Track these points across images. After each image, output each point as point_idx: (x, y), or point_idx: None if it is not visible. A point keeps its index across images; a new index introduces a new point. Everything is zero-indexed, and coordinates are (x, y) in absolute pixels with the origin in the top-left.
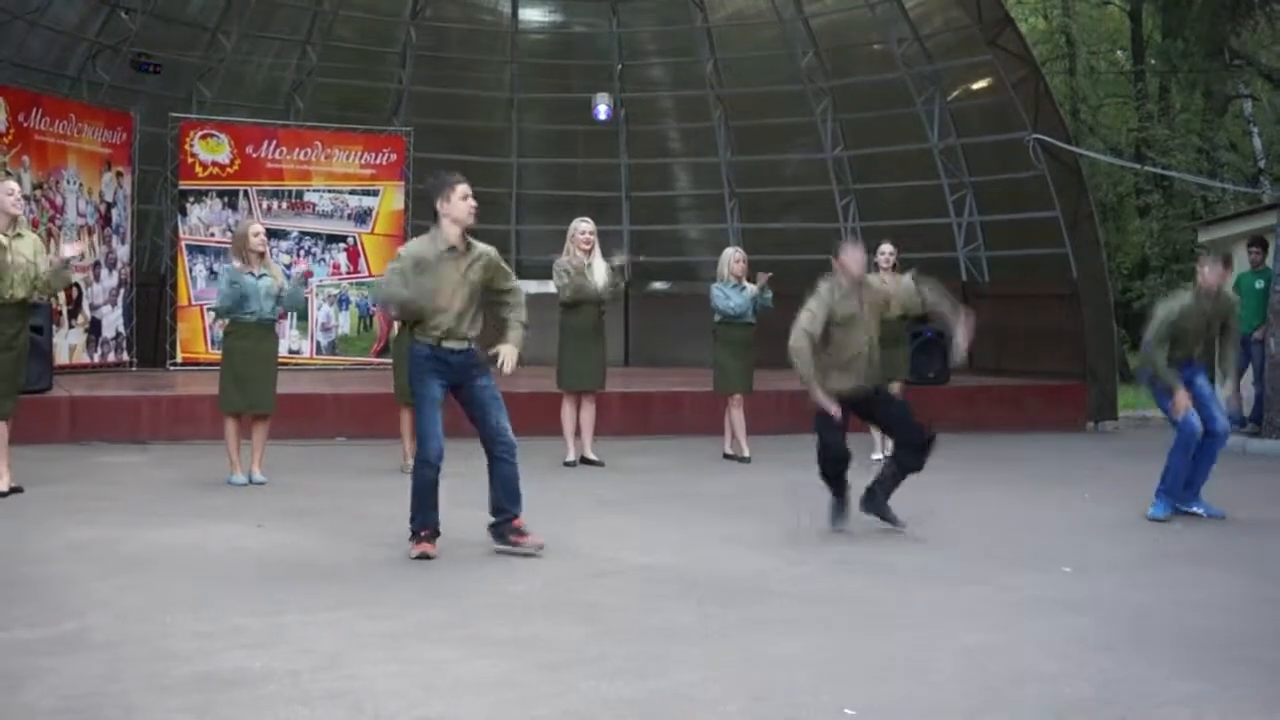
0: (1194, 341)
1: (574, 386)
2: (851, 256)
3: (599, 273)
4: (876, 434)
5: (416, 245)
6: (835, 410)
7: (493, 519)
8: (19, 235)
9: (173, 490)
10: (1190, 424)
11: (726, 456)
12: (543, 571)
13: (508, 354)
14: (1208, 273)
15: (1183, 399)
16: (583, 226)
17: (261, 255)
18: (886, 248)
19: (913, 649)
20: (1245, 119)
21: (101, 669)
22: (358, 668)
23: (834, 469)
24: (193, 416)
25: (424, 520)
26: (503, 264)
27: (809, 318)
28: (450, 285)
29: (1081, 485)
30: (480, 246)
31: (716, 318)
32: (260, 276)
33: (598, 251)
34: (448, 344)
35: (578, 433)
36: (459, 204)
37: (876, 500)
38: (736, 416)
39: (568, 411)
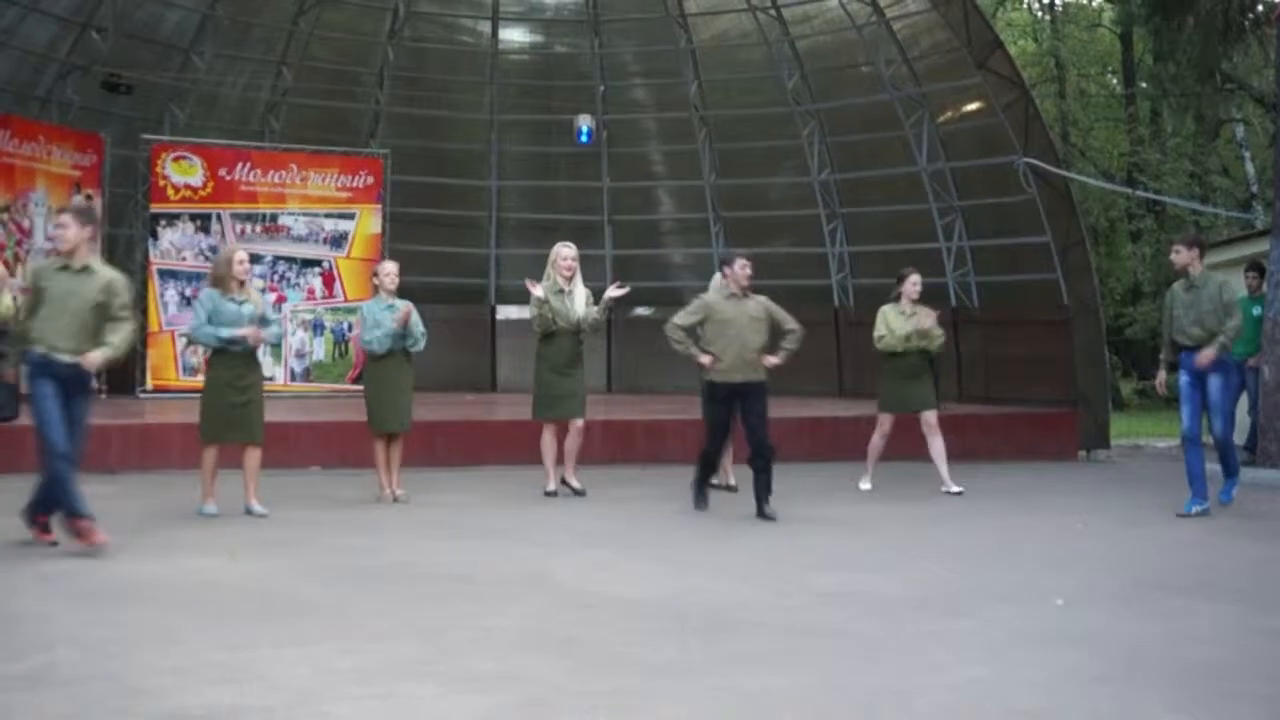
0: (1186, 327)
1: (551, 417)
2: (735, 267)
3: (579, 300)
4: (871, 464)
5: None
6: (707, 360)
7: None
8: None
9: (143, 521)
10: (1183, 424)
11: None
12: (523, 604)
13: (88, 358)
14: (1173, 256)
15: (1160, 379)
16: (564, 251)
17: (242, 283)
18: (915, 277)
19: (900, 683)
20: (1237, 143)
21: (69, 706)
22: (332, 704)
23: (713, 451)
24: (164, 445)
25: (70, 506)
26: (119, 290)
27: (683, 314)
28: (60, 299)
29: (1074, 515)
30: (104, 272)
31: None
32: (241, 303)
33: (579, 278)
34: (54, 355)
35: (560, 461)
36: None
37: (764, 505)
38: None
39: (548, 440)
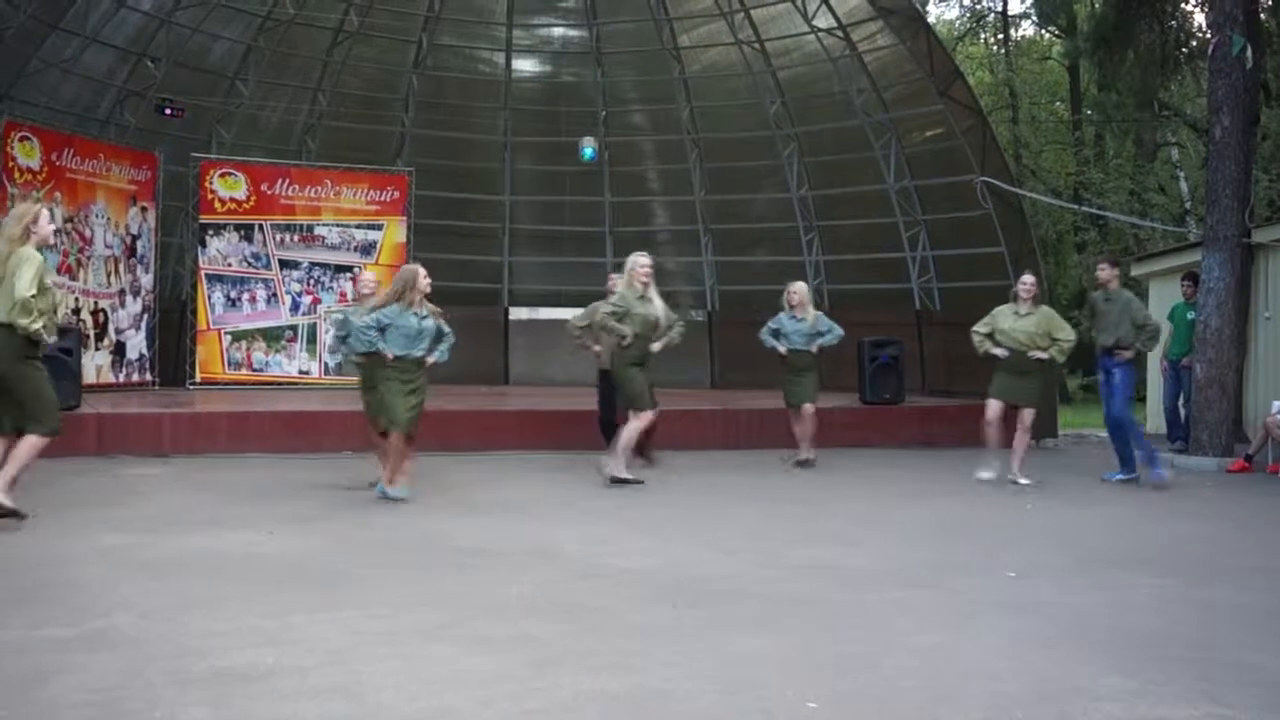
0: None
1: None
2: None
3: (658, 305)
4: (994, 457)
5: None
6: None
7: None
8: None
9: (191, 500)
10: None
11: (800, 463)
12: (532, 575)
13: None
14: (1098, 272)
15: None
16: (642, 260)
17: (425, 298)
18: (1028, 279)
19: (869, 647)
20: (1173, 164)
21: (125, 665)
22: (360, 663)
23: None
24: (210, 431)
25: None
26: None
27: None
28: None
29: (1024, 496)
30: None
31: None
32: (423, 318)
33: (654, 286)
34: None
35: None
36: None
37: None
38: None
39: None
